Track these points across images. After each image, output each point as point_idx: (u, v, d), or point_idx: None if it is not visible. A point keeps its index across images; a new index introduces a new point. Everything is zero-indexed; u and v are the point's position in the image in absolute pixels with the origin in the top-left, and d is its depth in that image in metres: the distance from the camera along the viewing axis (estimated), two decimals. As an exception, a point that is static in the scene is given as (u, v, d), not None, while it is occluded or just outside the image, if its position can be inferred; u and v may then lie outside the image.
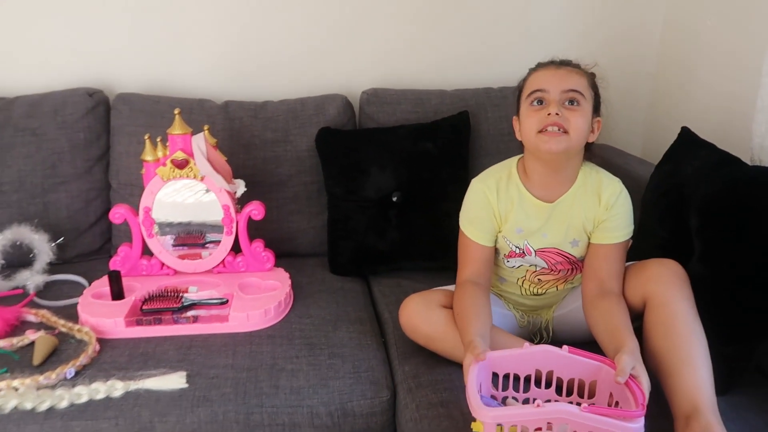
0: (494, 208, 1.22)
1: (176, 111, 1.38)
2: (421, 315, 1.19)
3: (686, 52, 1.78)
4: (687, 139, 1.34)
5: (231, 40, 1.76)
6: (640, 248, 1.30)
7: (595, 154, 1.24)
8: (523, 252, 1.24)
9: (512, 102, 1.26)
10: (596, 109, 1.18)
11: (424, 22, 1.80)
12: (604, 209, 1.18)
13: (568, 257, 1.23)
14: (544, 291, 1.28)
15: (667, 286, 1.08)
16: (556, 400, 1.03)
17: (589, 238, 1.21)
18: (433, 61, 1.84)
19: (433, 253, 1.55)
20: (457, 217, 1.28)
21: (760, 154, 1.30)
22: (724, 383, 1.07)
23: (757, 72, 1.33)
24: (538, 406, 0.91)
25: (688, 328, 1.03)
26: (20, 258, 1.50)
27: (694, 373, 0.99)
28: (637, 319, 1.12)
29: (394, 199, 1.55)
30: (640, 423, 0.88)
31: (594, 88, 1.18)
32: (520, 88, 1.22)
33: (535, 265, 1.25)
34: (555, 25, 1.85)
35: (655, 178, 1.35)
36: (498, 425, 0.90)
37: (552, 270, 1.25)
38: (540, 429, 0.91)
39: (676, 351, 1.02)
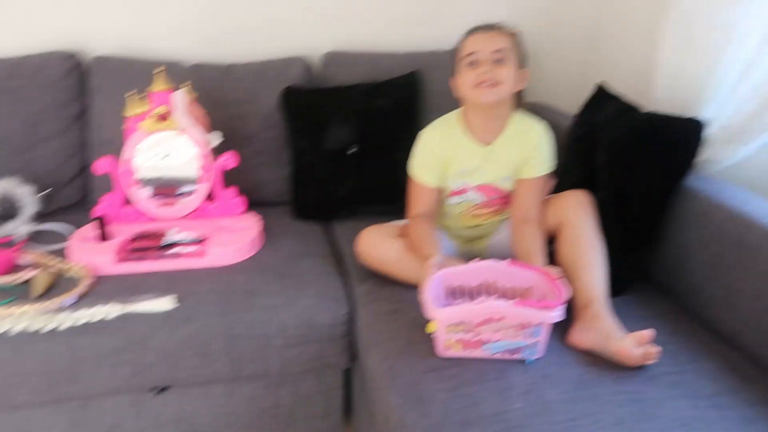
0: (440, 154, 1.45)
1: (161, 68, 1.56)
2: (377, 242, 1.42)
3: (613, 19, 2.03)
4: (601, 93, 1.60)
5: (199, 6, 1.92)
6: (561, 185, 1.56)
7: (522, 101, 1.48)
8: (464, 189, 1.47)
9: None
10: (522, 64, 1.41)
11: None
12: (530, 148, 1.43)
13: (500, 191, 1.47)
14: (479, 223, 1.53)
15: (574, 210, 1.34)
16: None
17: (517, 174, 1.45)
18: (386, 25, 2.04)
19: (388, 197, 1.76)
20: (407, 164, 1.51)
21: (659, 103, 1.55)
22: (619, 285, 1.34)
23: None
24: (479, 302, 1.15)
25: (589, 242, 1.30)
26: (6, 209, 1.67)
27: (591, 275, 1.26)
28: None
29: (353, 150, 1.77)
30: (558, 312, 1.12)
31: (518, 46, 1.40)
32: (456, 51, 1.44)
33: (473, 201, 1.49)
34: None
35: (574, 125, 1.60)
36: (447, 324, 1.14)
37: (488, 204, 1.49)
38: (480, 324, 1.14)
39: (578, 259, 1.28)
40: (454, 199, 1.50)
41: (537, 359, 1.16)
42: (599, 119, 1.49)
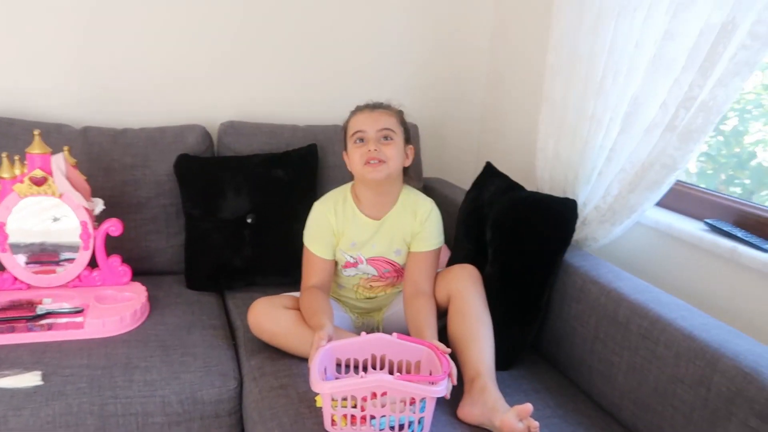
0: (333, 226, 1.49)
1: (36, 132, 1.51)
2: (268, 314, 1.40)
3: (502, 101, 2.20)
4: (489, 171, 1.70)
5: (91, 68, 1.90)
6: (454, 258, 1.64)
7: (411, 176, 1.56)
8: (357, 261, 1.50)
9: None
10: (407, 140, 1.49)
11: (280, 64, 2.07)
12: (419, 224, 1.48)
13: (393, 264, 1.51)
14: (375, 295, 1.55)
15: (463, 283, 1.39)
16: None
17: (408, 249, 1.50)
18: (287, 98, 2.10)
19: (285, 269, 1.76)
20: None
21: (540, 183, 1.69)
22: (507, 358, 1.40)
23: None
24: (361, 377, 1.16)
25: (476, 315, 1.35)
26: None
27: (478, 347, 1.30)
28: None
29: (249, 220, 1.77)
30: (442, 385, 1.14)
31: (403, 123, 1.49)
32: (345, 128, 1.51)
33: (367, 273, 1.52)
34: (393, 72, 2.20)
35: (464, 202, 1.69)
36: (333, 399, 1.13)
37: (381, 276, 1.52)
38: (366, 399, 1.14)
39: (466, 332, 1.33)
40: (349, 271, 1.52)
41: (425, 435, 1.16)
42: (486, 196, 1.59)
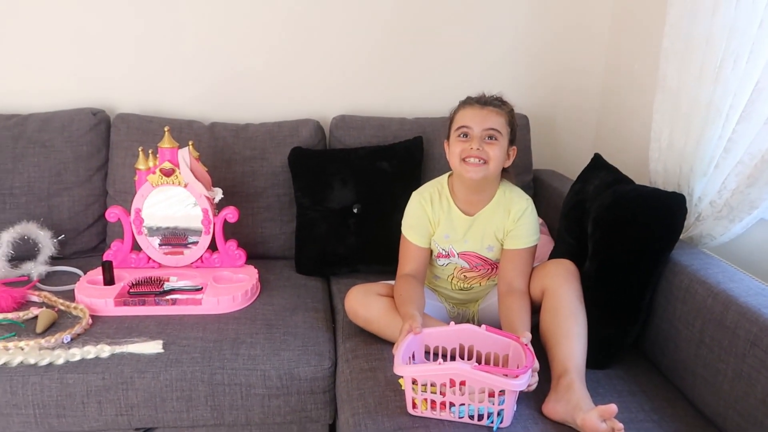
0: (429, 215, 1.54)
1: (165, 128, 1.71)
2: (362, 301, 1.49)
3: (621, 91, 2.12)
4: (596, 163, 1.66)
5: (220, 72, 2.11)
6: (556, 253, 1.62)
7: (510, 174, 1.55)
8: (449, 254, 1.54)
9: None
10: (512, 141, 1.48)
11: (390, 57, 2.15)
12: (512, 221, 1.49)
13: (485, 260, 1.53)
14: (470, 286, 1.58)
15: (558, 279, 1.38)
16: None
17: (501, 245, 1.51)
18: (396, 91, 2.18)
19: (386, 257, 1.83)
20: None
21: (653, 176, 1.61)
22: (604, 359, 1.37)
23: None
24: (439, 363, 1.21)
25: (568, 311, 1.33)
26: (27, 251, 1.81)
27: (568, 344, 1.29)
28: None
29: (355, 210, 1.87)
30: (522, 379, 1.15)
31: (511, 124, 1.47)
32: (451, 119, 1.53)
33: (460, 265, 1.55)
34: (506, 62, 2.19)
35: (568, 195, 1.66)
36: (413, 381, 1.19)
37: (474, 269, 1.55)
38: (445, 384, 1.19)
39: (557, 329, 1.32)
40: (441, 261, 1.57)
41: (505, 428, 1.18)
42: (590, 189, 1.55)
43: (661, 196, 1.41)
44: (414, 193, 1.59)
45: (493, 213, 1.50)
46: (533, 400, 1.26)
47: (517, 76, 2.21)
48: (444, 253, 1.55)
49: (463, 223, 1.51)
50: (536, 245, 1.51)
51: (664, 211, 1.38)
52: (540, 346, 1.34)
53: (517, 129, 1.52)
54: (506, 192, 1.52)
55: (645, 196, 1.42)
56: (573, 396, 1.20)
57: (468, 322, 1.59)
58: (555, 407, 1.21)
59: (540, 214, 1.71)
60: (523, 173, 2.05)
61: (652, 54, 1.82)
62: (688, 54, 1.45)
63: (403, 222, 1.59)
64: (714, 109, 1.38)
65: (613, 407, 1.12)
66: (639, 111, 1.95)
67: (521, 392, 1.21)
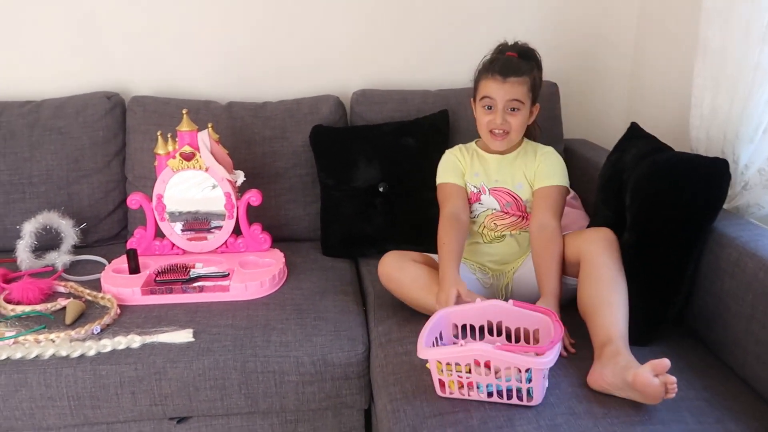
0: (460, 161, 1.64)
1: (184, 111, 1.70)
2: (396, 264, 1.50)
3: (655, 55, 2.05)
4: (633, 132, 1.61)
5: (233, 48, 2.08)
6: (592, 225, 1.58)
7: (536, 128, 1.68)
8: (480, 191, 1.59)
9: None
10: (534, 100, 1.57)
11: (410, 26, 2.11)
12: (539, 161, 1.59)
13: (515, 198, 1.58)
14: (501, 235, 1.59)
15: (596, 245, 1.37)
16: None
17: (531, 187, 1.57)
18: (417, 62, 2.14)
19: (415, 236, 1.82)
20: (436, 204, 1.62)
21: (695, 143, 1.57)
22: (647, 334, 1.34)
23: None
24: (461, 345, 1.19)
25: (610, 279, 1.32)
26: (49, 240, 1.82)
27: (610, 312, 1.27)
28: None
29: (381, 189, 1.85)
30: (549, 356, 1.13)
31: (533, 88, 1.54)
32: (476, 80, 1.59)
33: (492, 209, 1.59)
34: (532, 28, 2.13)
35: (604, 166, 1.62)
36: (438, 363, 1.19)
37: (504, 212, 1.58)
38: (469, 365, 1.17)
39: (598, 296, 1.31)
40: (474, 208, 1.61)
41: (547, 407, 1.17)
42: (627, 159, 1.51)
43: (702, 162, 1.36)
44: (446, 152, 1.69)
45: (521, 156, 1.61)
46: (575, 376, 1.25)
47: (544, 40, 2.12)
48: (475, 191, 1.60)
49: (493, 160, 1.61)
50: (566, 190, 1.59)
51: (706, 178, 1.33)
52: (578, 320, 1.33)
53: (541, 86, 1.60)
54: (530, 143, 1.65)
55: (684, 162, 1.38)
56: (621, 360, 1.18)
57: (501, 293, 1.58)
58: (602, 372, 1.19)
59: (573, 185, 1.69)
60: (554, 143, 2.00)
61: (690, 14, 1.76)
62: (732, 12, 1.39)
63: (438, 175, 1.66)
64: (762, 70, 1.33)
65: (666, 361, 1.11)
66: (676, 76, 1.90)
67: (562, 369, 1.19)
